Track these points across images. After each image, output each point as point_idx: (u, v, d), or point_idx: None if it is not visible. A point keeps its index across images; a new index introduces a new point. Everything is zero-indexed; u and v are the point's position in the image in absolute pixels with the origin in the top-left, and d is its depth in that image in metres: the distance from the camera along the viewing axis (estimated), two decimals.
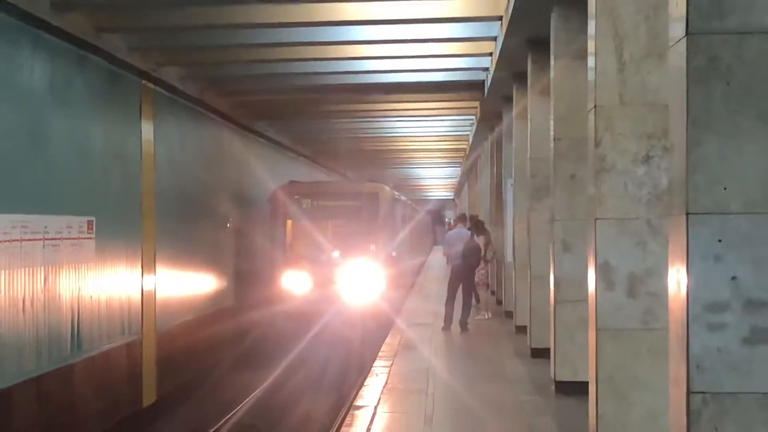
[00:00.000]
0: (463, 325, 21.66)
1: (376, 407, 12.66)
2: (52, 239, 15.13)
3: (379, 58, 21.56)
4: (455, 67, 23.05)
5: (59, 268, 15.37)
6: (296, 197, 28.19)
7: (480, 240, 23.41)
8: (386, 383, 14.60)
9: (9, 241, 13.48)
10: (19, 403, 13.50)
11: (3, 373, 13.01)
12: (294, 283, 27.14)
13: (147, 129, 20.02)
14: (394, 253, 31.21)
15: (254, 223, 30.64)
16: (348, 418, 12.16)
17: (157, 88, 20.70)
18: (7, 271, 13.40)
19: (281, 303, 26.66)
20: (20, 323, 13.80)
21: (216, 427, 17.05)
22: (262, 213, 30.51)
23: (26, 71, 14.60)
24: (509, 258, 23.22)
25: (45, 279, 14.74)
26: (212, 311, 24.13)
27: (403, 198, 44.53)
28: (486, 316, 24.26)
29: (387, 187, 30.85)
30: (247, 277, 29.28)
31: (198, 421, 17.73)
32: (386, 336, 20.84)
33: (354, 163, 45.09)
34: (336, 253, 27.96)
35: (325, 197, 29.66)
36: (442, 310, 22.21)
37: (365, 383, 14.96)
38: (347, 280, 27.04)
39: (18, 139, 14.10)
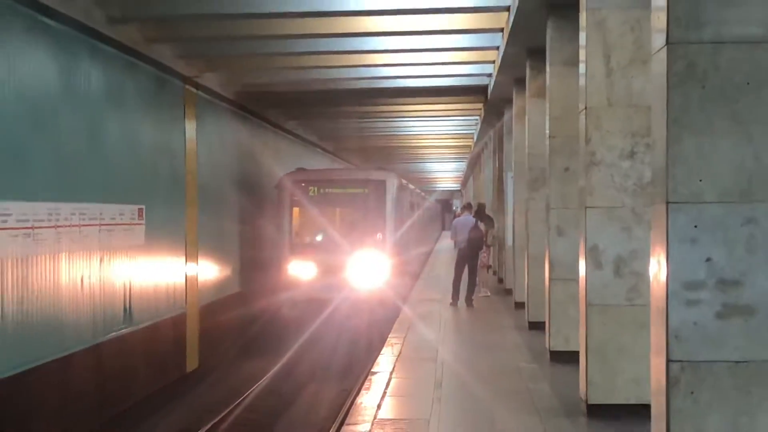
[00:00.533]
0: (469, 301, 21.68)
1: (391, 373, 12.68)
2: (107, 225, 15.23)
3: (394, 65, 21.51)
4: (462, 74, 22.97)
5: (113, 251, 15.47)
6: (303, 184, 24.75)
7: (482, 226, 23.35)
8: (400, 352, 14.64)
9: (69, 226, 13.60)
10: (78, 369, 13.58)
11: (63, 342, 13.08)
12: (299, 271, 23.88)
13: (190, 128, 20.09)
14: (401, 240, 26.84)
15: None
16: (366, 383, 12.19)
17: (199, 92, 20.81)
18: (67, 253, 13.52)
19: (288, 291, 23.73)
20: (79, 298, 13.91)
21: (251, 389, 17.07)
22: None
23: (84, 77, 14.65)
24: (509, 242, 23.21)
25: (101, 260, 14.84)
26: (239, 291, 23.89)
27: (411, 186, 39.32)
28: (486, 294, 24.19)
29: (394, 174, 26.83)
30: (270, 261, 26.86)
31: (235, 383, 17.76)
32: (397, 315, 20.45)
33: (371, 158, 44.09)
34: (342, 241, 23.99)
35: (331, 184, 25.84)
36: (450, 288, 22.28)
37: (381, 352, 14.99)
38: (354, 267, 23.55)
39: (78, 137, 14.19)
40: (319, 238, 25.42)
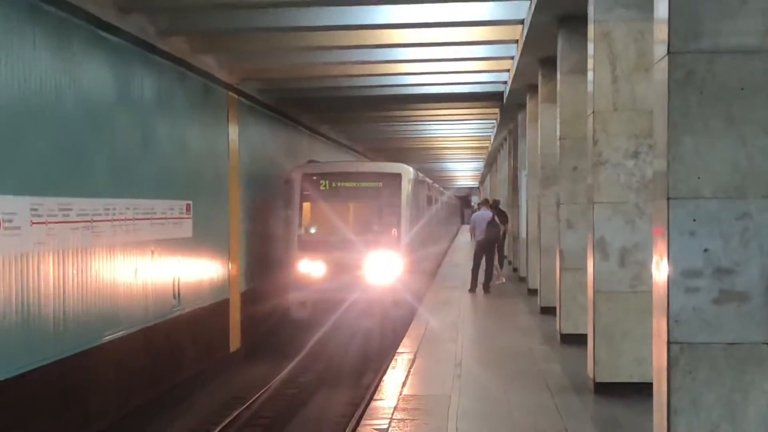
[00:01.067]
0: (486, 288, 21.66)
1: (415, 353, 12.72)
2: (158, 219, 15.35)
3: (418, 74, 21.58)
4: (479, 81, 22.95)
5: (163, 242, 15.61)
6: (314, 178, 21.17)
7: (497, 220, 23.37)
8: (423, 334, 14.67)
9: (124, 219, 13.72)
10: (131, 349, 13.74)
11: (117, 325, 13.21)
12: (308, 270, 20.18)
13: (233, 131, 20.18)
14: (418, 237, 22.61)
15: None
16: (392, 362, 12.21)
17: (241, 98, 20.89)
18: (122, 245, 13.66)
19: (296, 291, 20.27)
20: (132, 285, 14.08)
21: (291, 366, 17.20)
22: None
23: (138, 85, 14.75)
24: (523, 234, 23.23)
25: (152, 251, 14.99)
26: (272, 281, 23.57)
27: (428, 180, 32.42)
28: (501, 281, 24.17)
29: (410, 168, 22.76)
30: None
31: (274, 361, 17.87)
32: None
33: (397, 158, 43.47)
34: (355, 238, 20.38)
35: (344, 178, 21.72)
36: (469, 276, 22.26)
37: (407, 334, 14.96)
38: (366, 266, 19.94)
39: (132, 139, 14.33)
40: (330, 235, 21.18)
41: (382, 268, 19.67)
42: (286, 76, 21.49)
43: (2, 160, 10.58)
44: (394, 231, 20.57)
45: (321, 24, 15.36)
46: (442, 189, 47.94)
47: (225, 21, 15.00)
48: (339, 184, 21.03)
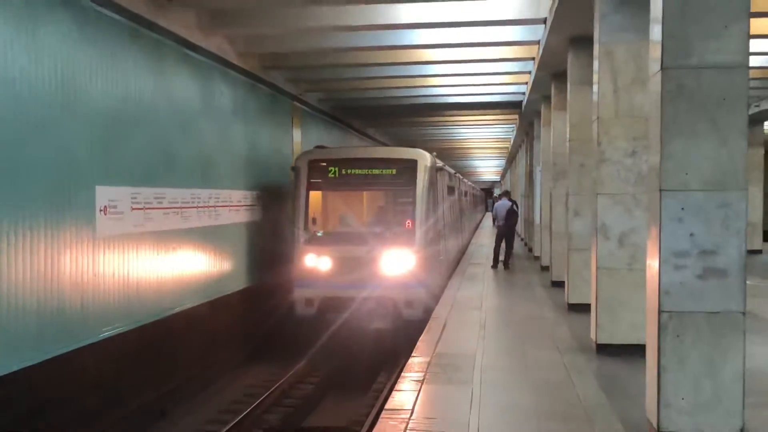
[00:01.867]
0: (506, 264, 21.61)
1: (446, 318, 12.76)
2: (235, 206, 15.54)
3: (449, 86, 21.73)
4: (502, 92, 22.97)
5: (238, 225, 15.83)
6: (322, 164, 16.32)
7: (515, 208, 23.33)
8: (453, 303, 14.70)
9: (207, 207, 13.93)
10: (174, 328, 13.03)
11: (163, 308, 12.56)
12: (314, 265, 15.45)
13: (296, 134, 20.39)
14: (437, 229, 17.50)
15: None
16: (427, 326, 12.23)
17: (303, 106, 21.10)
18: (205, 227, 13.98)
19: (301, 287, 15.54)
20: (213, 261, 14.52)
21: (322, 341, 15.01)
22: None
23: (218, 95, 14.95)
24: (537, 220, 23.10)
25: (229, 233, 15.35)
26: None
27: (449, 169, 24.90)
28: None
29: (428, 154, 17.49)
30: None
31: (301, 338, 15.64)
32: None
33: None
34: (366, 231, 16.08)
35: (355, 164, 16.65)
36: (491, 255, 22.19)
37: (439, 302, 14.94)
38: (378, 263, 15.18)
39: (213, 140, 14.66)
40: (338, 227, 16.77)
41: (394, 263, 14.95)
42: (341, 88, 21.62)
43: (109, 157, 10.79)
44: (408, 222, 15.62)
45: (371, 45, 15.49)
46: (465, 179, 39.14)
47: (292, 43, 15.22)
48: (349, 171, 16.08)
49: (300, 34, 15.12)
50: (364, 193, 17.95)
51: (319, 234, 15.76)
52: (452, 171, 25.38)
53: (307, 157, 16.25)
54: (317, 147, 17.37)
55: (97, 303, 10.42)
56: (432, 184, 16.07)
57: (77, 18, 10.19)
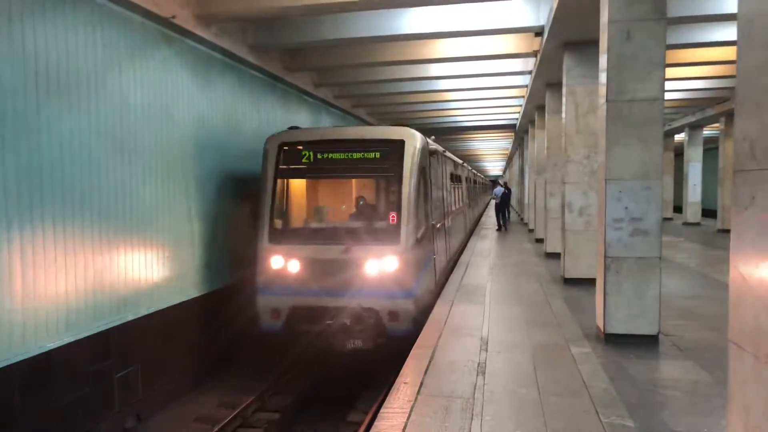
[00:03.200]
0: (504, 227, 21.38)
1: (467, 263, 12.78)
2: None
3: (458, 109, 20.86)
4: (502, 118, 22.49)
5: None
6: (295, 148, 8.50)
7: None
8: (473, 251, 14.70)
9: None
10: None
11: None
12: (281, 268, 8.07)
13: None
14: (432, 222, 9.08)
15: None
16: (456, 269, 12.22)
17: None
18: None
19: (266, 294, 8.15)
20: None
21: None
22: None
23: (323, 124, 14.97)
24: (526, 200, 22.88)
25: None
26: None
27: (451, 155, 13.51)
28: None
29: (418, 133, 8.52)
30: None
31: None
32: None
33: None
34: (344, 227, 8.41)
35: (332, 147, 8.39)
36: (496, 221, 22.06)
37: (465, 251, 14.79)
38: (356, 265, 7.80)
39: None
40: (310, 222, 9.13)
41: (375, 265, 7.89)
42: (367, 94, 16.75)
43: (251, 164, 10.12)
44: (393, 216, 8.22)
45: (414, 90, 15.38)
46: (473, 170, 27.51)
47: (337, 58, 12.22)
48: (325, 155, 8.54)
49: (338, 49, 12.08)
50: (343, 181, 9.94)
51: (287, 230, 8.62)
52: (457, 159, 15.82)
53: (277, 140, 8.67)
54: (291, 128, 9.10)
55: None
56: (423, 169, 8.57)
57: (240, 77, 10.45)
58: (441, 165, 10.81)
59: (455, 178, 14.16)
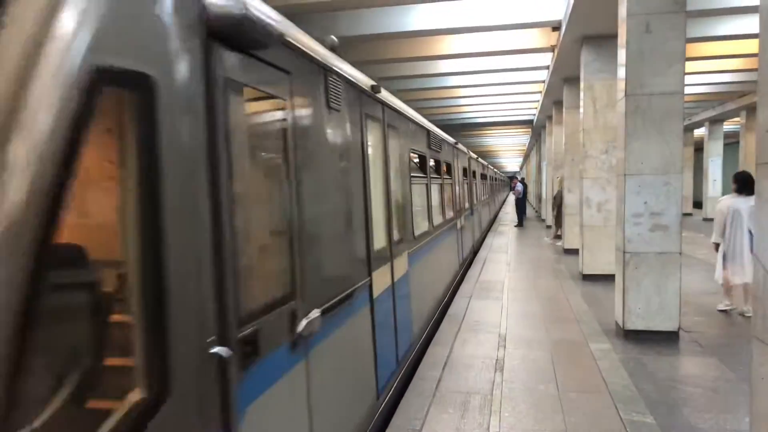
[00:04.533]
0: (521, 223, 21.31)
1: (485, 259, 12.75)
2: None
3: (474, 105, 21.09)
4: (520, 115, 22.41)
5: None
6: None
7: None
8: (491, 247, 14.65)
9: None
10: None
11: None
12: None
13: None
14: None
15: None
16: (472, 263, 12.21)
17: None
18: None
19: None
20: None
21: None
22: None
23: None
24: (544, 196, 22.71)
25: None
26: None
27: (448, 138, 8.64)
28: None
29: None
30: None
31: None
32: None
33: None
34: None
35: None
36: (515, 216, 21.86)
37: (482, 247, 14.73)
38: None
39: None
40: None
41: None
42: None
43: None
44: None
45: (437, 86, 15.37)
46: (490, 167, 25.02)
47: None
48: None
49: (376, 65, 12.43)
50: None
51: None
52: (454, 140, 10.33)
53: None
54: None
55: None
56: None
57: None
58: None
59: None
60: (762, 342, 2.51)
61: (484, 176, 19.08)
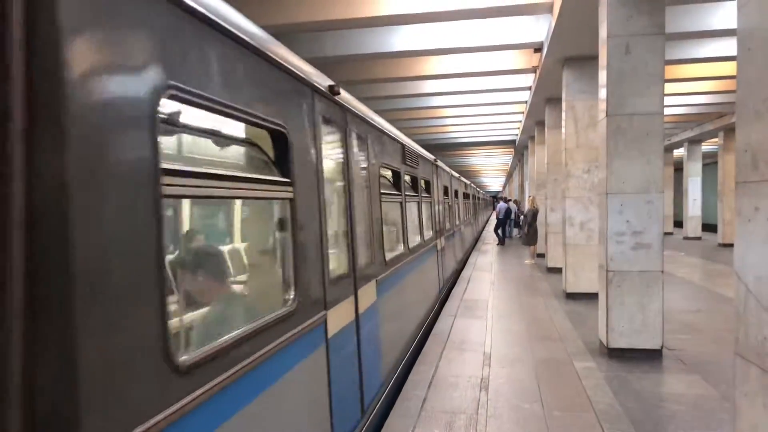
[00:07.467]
0: (502, 242, 21.37)
1: (469, 278, 12.74)
2: None
3: (457, 125, 21.20)
4: (502, 135, 22.60)
5: None
6: None
7: (511, 206, 23.07)
8: (474, 265, 14.65)
9: None
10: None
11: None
12: None
13: None
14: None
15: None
16: (456, 282, 12.19)
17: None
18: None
19: None
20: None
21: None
22: None
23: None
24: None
25: None
26: None
27: (417, 148, 7.18)
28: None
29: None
30: None
31: None
32: None
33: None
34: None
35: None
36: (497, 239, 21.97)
37: (466, 266, 14.73)
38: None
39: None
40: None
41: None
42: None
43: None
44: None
45: (421, 106, 15.46)
46: (467, 182, 20.78)
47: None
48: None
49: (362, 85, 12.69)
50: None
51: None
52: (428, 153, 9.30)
53: None
54: None
55: None
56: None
57: None
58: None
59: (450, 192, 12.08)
60: (745, 359, 2.53)
61: (467, 195, 18.68)
